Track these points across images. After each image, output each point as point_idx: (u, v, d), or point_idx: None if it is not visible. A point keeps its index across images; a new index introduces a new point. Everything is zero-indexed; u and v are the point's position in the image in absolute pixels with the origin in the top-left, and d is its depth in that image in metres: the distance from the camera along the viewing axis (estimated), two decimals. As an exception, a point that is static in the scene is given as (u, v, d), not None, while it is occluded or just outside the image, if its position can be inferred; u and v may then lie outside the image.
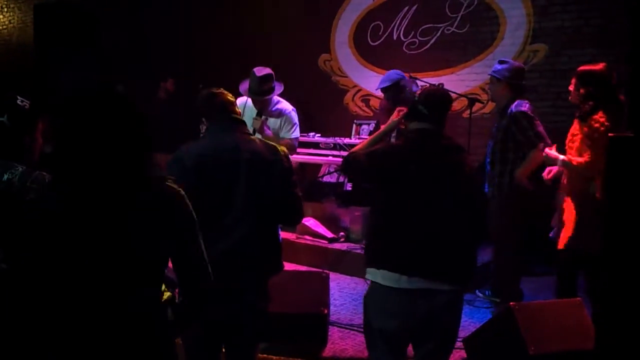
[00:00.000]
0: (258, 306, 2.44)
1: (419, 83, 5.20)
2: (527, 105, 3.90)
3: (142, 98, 6.26)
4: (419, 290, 2.31)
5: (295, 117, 4.31)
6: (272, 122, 4.19)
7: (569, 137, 3.58)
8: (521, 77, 4.05)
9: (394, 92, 4.84)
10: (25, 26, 10.51)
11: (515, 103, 3.90)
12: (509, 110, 3.91)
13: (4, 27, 11.45)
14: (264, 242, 2.40)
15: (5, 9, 11.35)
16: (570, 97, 3.61)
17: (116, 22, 8.36)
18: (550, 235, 3.76)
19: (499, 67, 4.02)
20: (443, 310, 2.34)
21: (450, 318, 2.41)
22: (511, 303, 3.00)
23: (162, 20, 8.12)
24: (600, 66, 3.45)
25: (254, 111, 4.13)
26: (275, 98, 4.29)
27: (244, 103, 4.23)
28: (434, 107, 2.49)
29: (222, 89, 2.56)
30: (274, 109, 4.25)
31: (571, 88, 3.56)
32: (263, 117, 4.08)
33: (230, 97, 2.52)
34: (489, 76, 4.13)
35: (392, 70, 5.05)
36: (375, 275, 2.41)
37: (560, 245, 3.52)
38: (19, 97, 2.10)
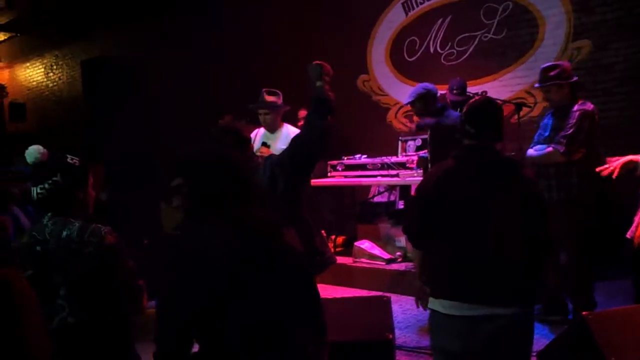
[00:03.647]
0: None
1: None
2: (592, 105, 3.86)
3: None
4: (479, 316, 2.23)
5: None
6: (280, 147, 4.17)
7: None
8: (572, 73, 4.00)
9: (421, 106, 4.76)
10: (74, 81, 11.00)
11: (580, 102, 3.87)
12: (574, 109, 3.84)
13: (55, 83, 12.00)
14: None
15: (55, 67, 11.91)
16: None
17: (160, 71, 8.64)
18: (628, 235, 3.58)
19: (553, 73, 3.91)
20: (507, 332, 2.24)
21: (516, 339, 2.29)
22: (584, 312, 2.85)
23: (204, 60, 8.34)
24: None
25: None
26: (284, 125, 4.44)
27: (254, 134, 4.39)
28: (481, 123, 2.35)
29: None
30: (281, 135, 4.35)
31: None
32: (266, 146, 4.17)
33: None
34: (547, 86, 3.96)
35: (419, 84, 4.99)
36: (434, 303, 2.35)
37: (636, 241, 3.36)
38: (68, 156, 2.19)
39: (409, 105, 5.02)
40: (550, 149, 3.81)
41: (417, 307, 2.69)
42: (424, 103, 4.73)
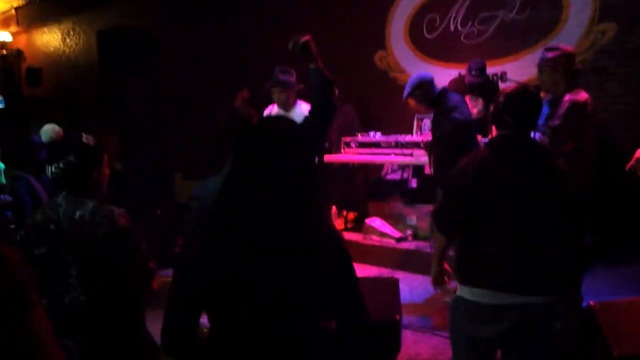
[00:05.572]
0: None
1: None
2: (585, 95, 3.64)
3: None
4: (511, 305, 2.22)
5: None
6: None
7: None
8: (574, 62, 3.77)
9: (421, 93, 4.57)
10: (91, 48, 10.97)
11: (574, 91, 3.64)
12: (565, 98, 3.63)
13: (72, 49, 11.99)
14: None
15: (72, 33, 11.88)
16: None
17: (176, 42, 8.58)
18: None
19: (551, 54, 3.71)
20: (536, 321, 2.22)
21: (549, 327, 2.24)
22: (591, 302, 2.85)
23: (221, 31, 8.28)
24: None
25: None
26: (298, 103, 4.40)
27: (268, 112, 4.44)
28: (521, 115, 2.32)
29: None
30: (295, 114, 4.29)
31: None
32: None
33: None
34: (541, 66, 3.75)
35: (414, 76, 4.86)
36: (462, 290, 2.34)
37: None
38: (83, 135, 2.19)
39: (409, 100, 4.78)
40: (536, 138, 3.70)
41: (435, 290, 2.71)
42: (423, 91, 4.56)
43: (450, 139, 4.33)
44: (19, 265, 1.23)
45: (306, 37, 2.86)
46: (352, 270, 1.68)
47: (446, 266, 2.66)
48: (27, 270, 1.21)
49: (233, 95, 7.12)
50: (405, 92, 4.69)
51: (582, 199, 2.40)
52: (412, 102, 4.79)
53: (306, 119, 2.99)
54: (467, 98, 4.89)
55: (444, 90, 4.66)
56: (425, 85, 4.56)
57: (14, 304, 1.13)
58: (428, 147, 4.81)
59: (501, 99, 2.39)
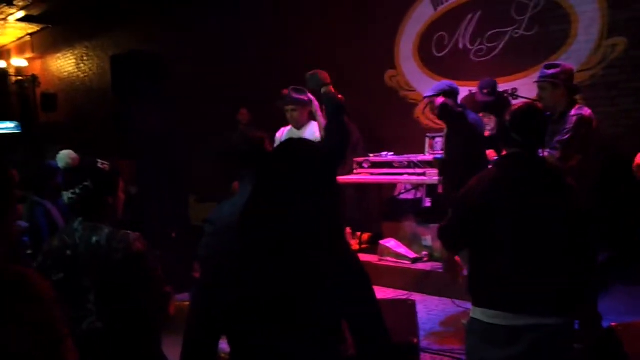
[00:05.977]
0: None
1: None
2: (589, 110, 3.69)
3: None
4: (524, 326, 2.20)
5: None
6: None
7: None
8: (573, 78, 3.83)
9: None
10: (104, 72, 11.13)
11: (577, 107, 3.70)
12: (571, 113, 3.66)
13: (86, 74, 12.18)
14: None
15: (86, 58, 12.08)
16: None
17: (190, 66, 8.70)
18: None
19: (551, 71, 3.76)
20: (550, 342, 2.20)
21: (559, 349, 2.25)
22: (612, 324, 2.80)
23: (233, 54, 8.38)
24: None
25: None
26: (311, 122, 4.41)
27: (281, 133, 4.51)
28: (529, 132, 2.31)
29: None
30: (307, 132, 4.37)
31: None
32: None
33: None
34: (542, 83, 3.79)
35: (444, 81, 4.90)
36: (475, 312, 2.33)
37: None
38: (99, 160, 2.21)
39: (428, 99, 4.85)
40: (545, 154, 3.70)
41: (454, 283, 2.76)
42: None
43: (465, 133, 4.35)
44: (54, 300, 1.25)
45: (313, 71, 3.02)
46: (372, 292, 1.68)
47: (457, 259, 2.65)
48: (59, 304, 1.23)
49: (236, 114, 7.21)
50: (429, 93, 4.72)
51: (591, 215, 2.38)
52: (429, 105, 4.79)
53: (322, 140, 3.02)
54: (480, 116, 4.90)
55: (463, 107, 4.67)
56: (448, 94, 4.58)
57: (49, 338, 1.14)
58: (435, 164, 4.74)
59: (507, 117, 2.38)
